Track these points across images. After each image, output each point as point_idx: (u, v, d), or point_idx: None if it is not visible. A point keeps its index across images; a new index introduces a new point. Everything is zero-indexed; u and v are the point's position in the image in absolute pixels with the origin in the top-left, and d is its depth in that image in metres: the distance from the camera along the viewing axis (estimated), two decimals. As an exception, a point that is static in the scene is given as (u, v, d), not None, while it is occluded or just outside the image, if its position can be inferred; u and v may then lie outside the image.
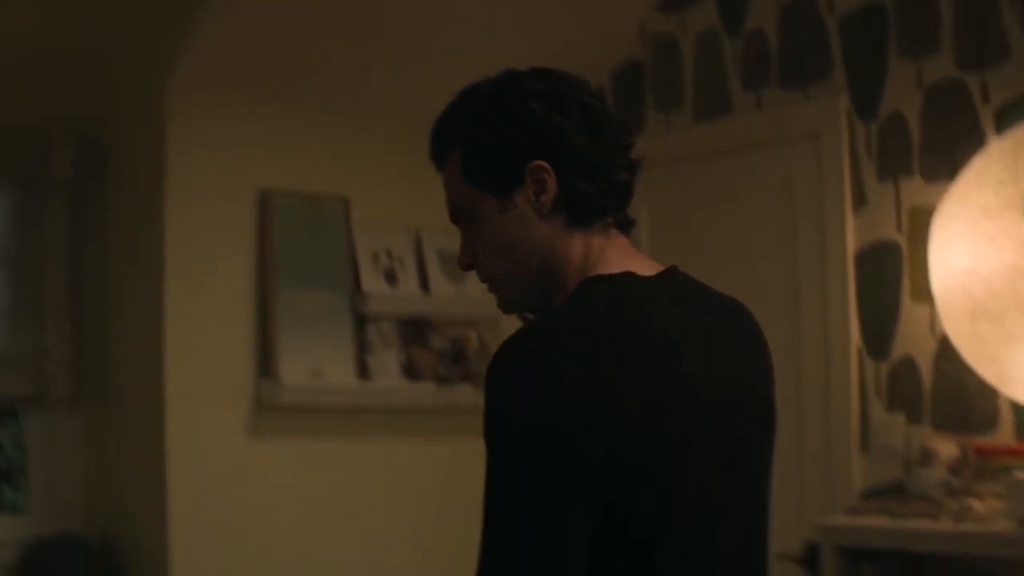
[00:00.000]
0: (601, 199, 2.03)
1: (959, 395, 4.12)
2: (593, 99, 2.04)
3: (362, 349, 4.75)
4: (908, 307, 4.25)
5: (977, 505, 3.81)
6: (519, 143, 2.00)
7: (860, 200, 4.38)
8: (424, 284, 4.91)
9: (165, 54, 4.43)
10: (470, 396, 4.84)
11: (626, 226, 2.07)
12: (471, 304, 4.93)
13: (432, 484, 4.87)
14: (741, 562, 1.94)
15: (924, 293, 4.19)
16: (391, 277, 4.83)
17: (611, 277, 1.96)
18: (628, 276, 1.96)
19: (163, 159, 4.48)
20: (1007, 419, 4.01)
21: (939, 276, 4.00)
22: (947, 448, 4.05)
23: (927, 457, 4.05)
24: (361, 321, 4.76)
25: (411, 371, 4.82)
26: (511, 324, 5.20)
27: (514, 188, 2.01)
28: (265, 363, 4.59)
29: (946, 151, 4.17)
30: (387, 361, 4.76)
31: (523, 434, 1.77)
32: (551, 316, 1.94)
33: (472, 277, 4.84)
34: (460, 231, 2.07)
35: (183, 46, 4.38)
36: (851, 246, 4.38)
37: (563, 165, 1.99)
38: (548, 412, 1.76)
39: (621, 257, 2.01)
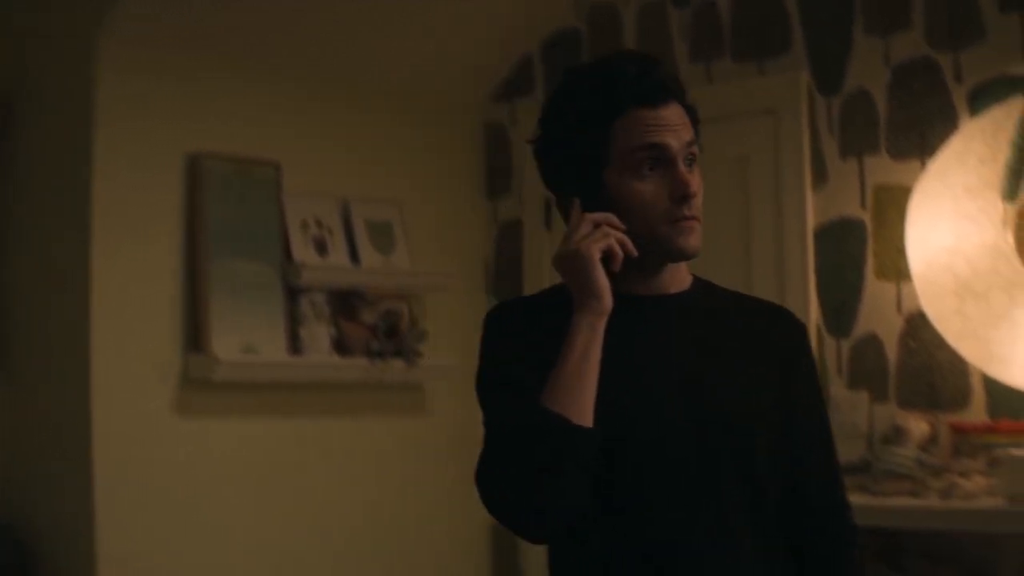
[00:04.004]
0: None
1: (928, 373, 4.13)
2: None
3: (294, 322, 4.54)
4: (872, 285, 4.25)
5: (963, 482, 3.83)
6: None
7: (820, 177, 4.36)
8: (353, 255, 4.72)
9: (96, 11, 4.18)
10: (402, 372, 4.69)
11: None
12: (401, 276, 4.78)
13: (364, 462, 4.71)
14: None
15: (890, 271, 4.20)
16: (321, 246, 4.64)
17: None
18: None
19: (90, 119, 4.21)
20: (979, 396, 4.04)
21: (920, 254, 4.00)
22: (918, 426, 4.07)
23: (898, 434, 4.06)
24: (292, 292, 4.55)
25: (341, 345, 4.63)
26: (436, 300, 5.10)
27: None
28: (195, 337, 4.36)
29: (916, 130, 4.18)
30: (319, 335, 4.57)
31: None
32: None
33: (400, 249, 4.75)
34: (680, 164, 2.27)
35: (116, 3, 4.14)
36: (810, 223, 4.36)
37: None
38: None
39: None
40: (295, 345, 4.54)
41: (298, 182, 4.61)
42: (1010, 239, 3.97)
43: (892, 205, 4.19)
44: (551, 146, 2.33)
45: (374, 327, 4.67)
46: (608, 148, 2.26)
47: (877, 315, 4.24)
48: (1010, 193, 3.97)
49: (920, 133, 4.17)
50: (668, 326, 2.32)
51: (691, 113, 2.31)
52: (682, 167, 2.25)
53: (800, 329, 2.44)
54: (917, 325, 4.14)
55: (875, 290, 4.25)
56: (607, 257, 2.22)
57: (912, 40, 4.20)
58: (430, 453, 4.88)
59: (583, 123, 2.27)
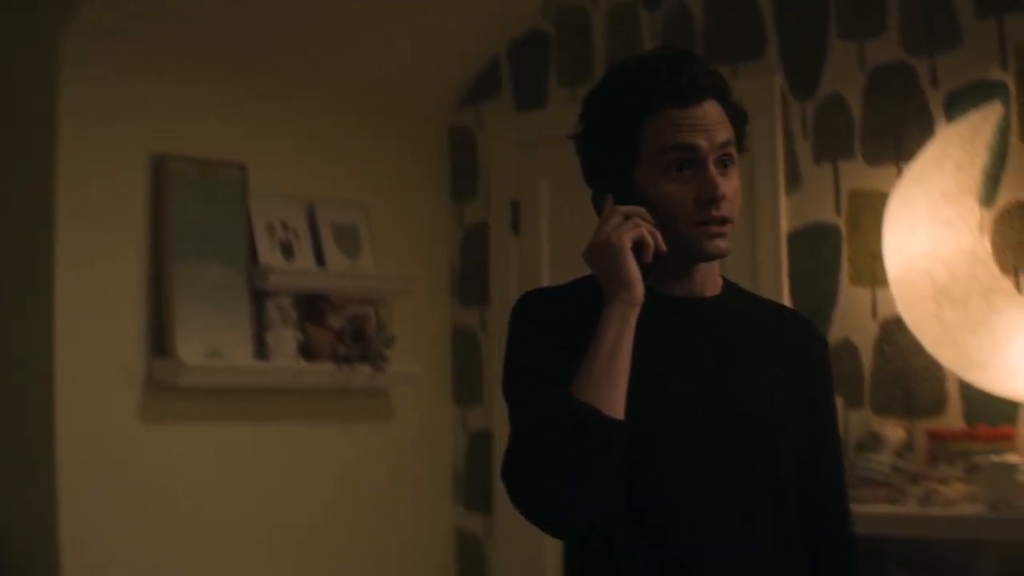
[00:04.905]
0: None
1: (903, 379, 4.12)
2: None
3: (260, 326, 4.47)
4: (847, 290, 4.23)
5: (943, 489, 3.82)
6: None
7: (794, 181, 4.34)
8: (319, 258, 4.66)
9: (60, 10, 4.11)
10: (368, 377, 4.63)
11: None
12: (367, 280, 4.72)
13: (329, 468, 4.66)
14: None
15: (865, 276, 4.19)
16: (287, 250, 4.57)
17: None
18: None
19: (54, 119, 4.14)
20: (955, 403, 4.03)
21: (897, 260, 3.98)
22: (894, 432, 4.05)
23: (875, 441, 4.04)
24: (258, 296, 4.48)
25: (307, 350, 4.56)
26: (401, 304, 5.06)
27: None
28: (160, 341, 4.28)
29: (891, 135, 4.17)
30: (285, 339, 4.50)
31: None
32: None
33: (366, 252, 4.69)
34: (712, 166, 2.23)
35: (81, 3, 4.08)
36: (784, 228, 4.34)
37: None
38: None
39: None
40: (261, 350, 4.47)
41: (264, 184, 4.54)
42: (987, 245, 3.96)
43: (867, 210, 4.18)
44: (586, 143, 2.31)
45: (341, 332, 4.60)
46: (638, 148, 2.23)
47: (852, 321, 4.22)
48: (987, 198, 3.97)
49: (896, 138, 4.15)
50: (700, 329, 2.29)
51: (733, 112, 2.27)
52: (712, 169, 2.22)
53: (822, 340, 2.45)
54: (892, 331, 4.12)
55: (850, 296, 4.23)
56: (638, 248, 2.20)
57: (888, 44, 4.18)
58: (396, 459, 4.83)
59: (613, 122, 2.25)
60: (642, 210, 2.22)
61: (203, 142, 4.43)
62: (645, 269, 2.21)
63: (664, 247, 2.21)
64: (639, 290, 2.18)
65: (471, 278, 5.04)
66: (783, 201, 4.34)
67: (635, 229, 2.19)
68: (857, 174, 4.23)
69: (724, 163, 2.25)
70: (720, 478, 2.21)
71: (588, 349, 2.15)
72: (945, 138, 3.99)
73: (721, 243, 2.24)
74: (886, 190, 4.08)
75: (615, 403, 2.13)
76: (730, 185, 2.25)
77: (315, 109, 4.72)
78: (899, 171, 4.10)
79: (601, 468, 2.10)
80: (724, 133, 2.24)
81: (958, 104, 4.04)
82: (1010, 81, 3.97)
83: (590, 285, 2.25)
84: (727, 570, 2.20)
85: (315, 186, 4.71)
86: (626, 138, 2.24)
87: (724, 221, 2.24)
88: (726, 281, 2.38)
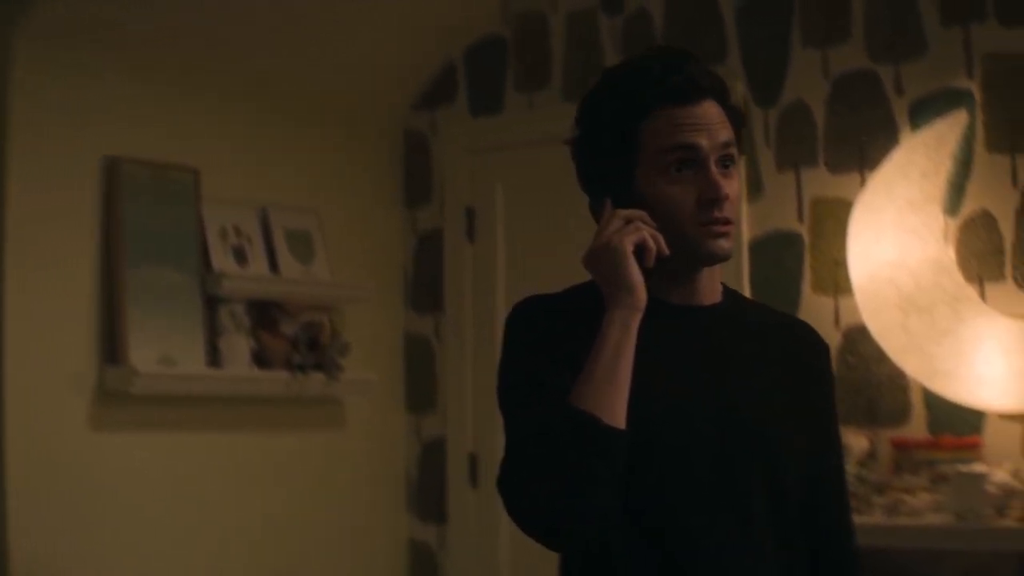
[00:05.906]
0: None
1: (867, 388, 4.10)
2: None
3: (213, 333, 4.39)
4: (810, 299, 4.21)
5: (909, 499, 3.80)
6: None
7: (756, 189, 4.32)
8: (273, 264, 4.58)
9: (12, 11, 4.02)
10: (321, 386, 4.55)
11: None
12: (321, 286, 4.65)
13: (282, 477, 4.59)
14: None
15: (828, 285, 4.17)
16: (240, 256, 4.49)
17: None
18: None
19: (5, 120, 4.04)
20: (919, 412, 4.02)
21: (862, 268, 3.97)
22: (857, 441, 4.03)
23: (839, 451, 4.02)
24: (211, 302, 4.39)
25: (261, 358, 4.48)
26: (355, 312, 4.99)
27: None
28: (112, 348, 4.19)
29: (855, 142, 4.15)
30: (238, 346, 4.42)
31: None
32: None
33: (319, 258, 4.62)
34: (713, 166, 2.17)
35: (33, 3, 4.00)
36: (745, 235, 4.31)
37: None
38: None
39: None
40: (214, 357, 4.38)
41: (216, 188, 4.47)
42: (951, 253, 3.96)
43: (830, 218, 4.17)
44: (582, 148, 2.26)
45: (295, 339, 4.53)
46: (637, 149, 2.18)
47: (814, 330, 4.19)
48: (952, 207, 3.97)
49: (859, 146, 4.15)
50: (697, 334, 2.25)
51: (731, 113, 2.22)
52: (713, 169, 2.16)
53: (823, 346, 2.40)
54: (855, 339, 4.11)
55: (812, 304, 4.21)
56: (640, 252, 2.15)
57: (852, 52, 4.18)
58: (349, 468, 4.77)
59: (611, 124, 2.20)
60: (643, 213, 2.17)
61: (156, 145, 4.34)
62: (647, 274, 2.16)
63: (666, 250, 2.17)
64: (641, 295, 2.13)
65: (425, 285, 4.98)
66: (745, 209, 4.32)
67: (637, 232, 2.15)
68: (820, 182, 4.22)
69: (725, 164, 2.19)
70: (718, 481, 2.18)
71: (589, 355, 2.11)
72: (911, 146, 3.99)
73: (724, 243, 2.19)
74: (849, 198, 4.08)
75: (617, 410, 2.09)
76: (731, 186, 2.20)
77: (268, 113, 4.66)
78: (863, 179, 4.09)
79: (601, 477, 2.06)
80: (725, 133, 2.19)
81: (923, 112, 4.05)
82: (975, 89, 3.98)
83: (587, 291, 2.21)
84: (725, 572, 2.16)
85: (268, 191, 4.64)
86: (624, 140, 2.20)
87: (726, 222, 2.19)
88: (726, 289, 2.34)
